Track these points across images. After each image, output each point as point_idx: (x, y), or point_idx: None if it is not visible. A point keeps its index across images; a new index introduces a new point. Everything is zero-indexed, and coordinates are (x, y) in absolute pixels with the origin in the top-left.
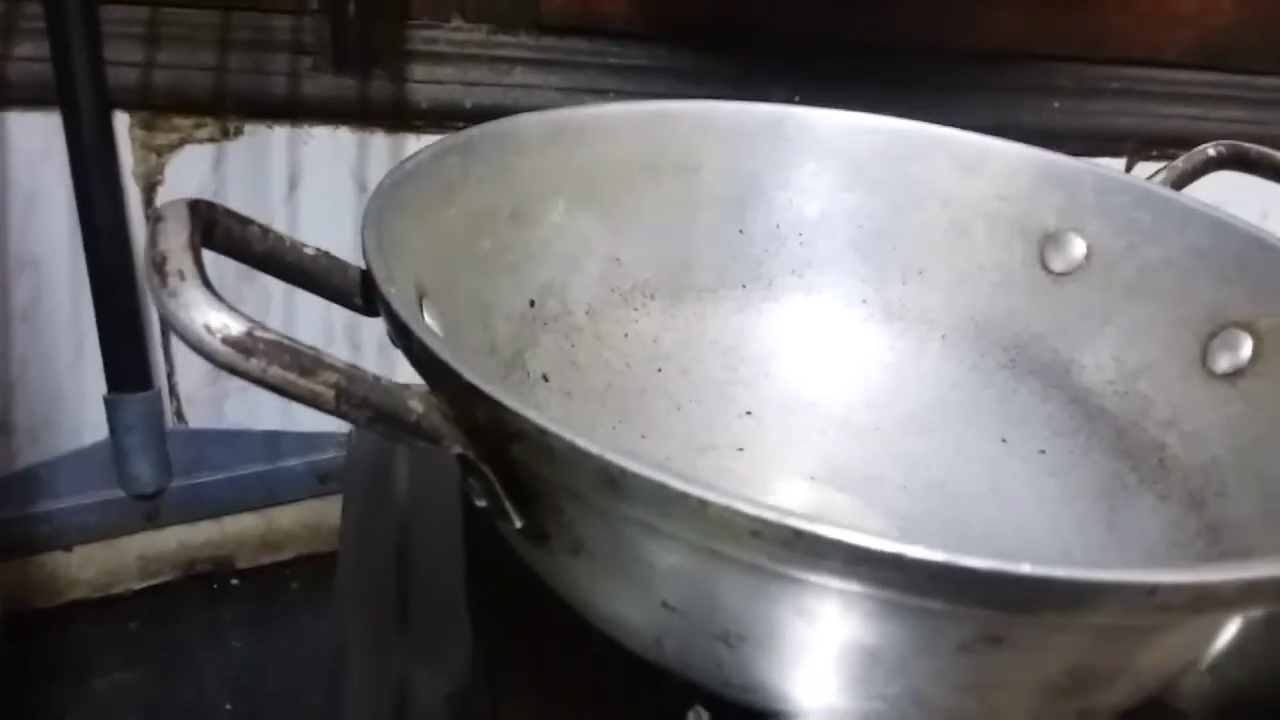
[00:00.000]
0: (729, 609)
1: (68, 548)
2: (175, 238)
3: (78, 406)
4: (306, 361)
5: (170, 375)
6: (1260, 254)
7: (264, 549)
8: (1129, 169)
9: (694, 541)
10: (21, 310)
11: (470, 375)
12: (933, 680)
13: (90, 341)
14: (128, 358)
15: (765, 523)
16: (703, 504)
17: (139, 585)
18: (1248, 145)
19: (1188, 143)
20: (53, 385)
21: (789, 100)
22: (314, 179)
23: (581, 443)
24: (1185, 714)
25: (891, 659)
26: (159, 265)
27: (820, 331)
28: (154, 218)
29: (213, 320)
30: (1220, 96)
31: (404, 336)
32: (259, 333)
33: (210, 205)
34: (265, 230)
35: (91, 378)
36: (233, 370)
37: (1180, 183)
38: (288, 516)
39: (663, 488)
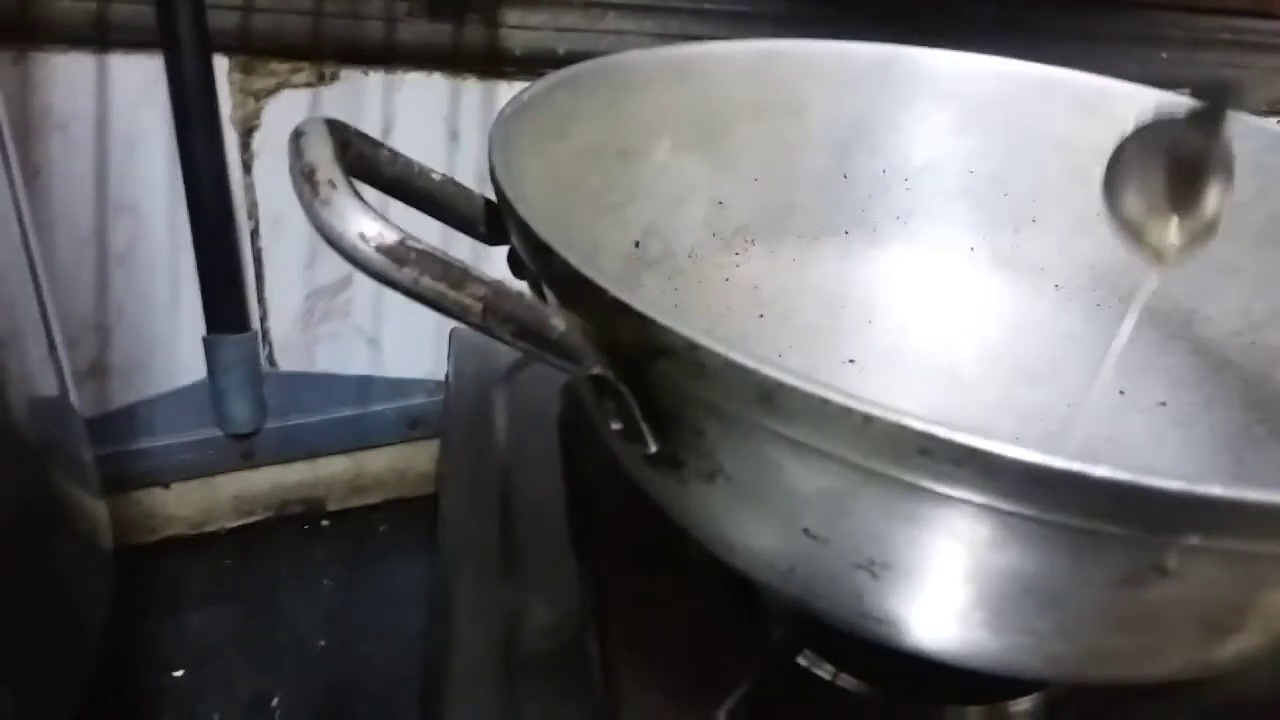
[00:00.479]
0: (878, 535)
1: (165, 485)
2: (321, 150)
3: (173, 348)
4: (456, 274)
5: (264, 320)
6: None
7: (353, 492)
8: None
9: (851, 462)
10: (119, 253)
11: (616, 290)
12: (1089, 614)
13: (186, 285)
14: (226, 300)
15: (936, 439)
16: (867, 419)
17: (233, 523)
18: None
19: None
20: (149, 327)
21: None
22: (407, 125)
23: (737, 357)
24: (1208, 689)
25: (1048, 590)
26: (309, 175)
27: (926, 279)
28: (295, 133)
29: (367, 228)
30: None
31: (543, 254)
32: (411, 243)
33: (344, 126)
34: (395, 154)
35: (187, 321)
36: (384, 279)
37: None
38: (377, 461)
39: (825, 403)
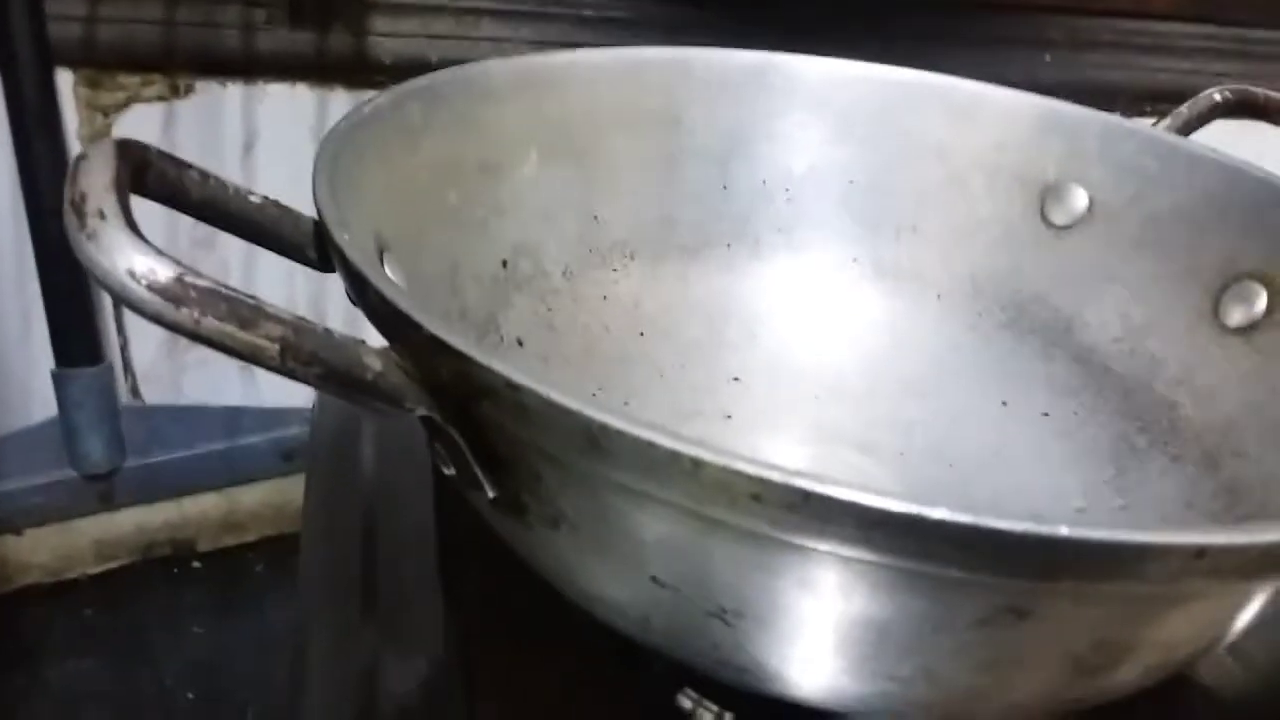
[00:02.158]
0: (725, 582)
1: (18, 531)
2: (98, 177)
3: (26, 382)
4: (246, 311)
5: (124, 349)
6: (1276, 202)
7: (226, 530)
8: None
9: (686, 508)
10: None
11: (432, 325)
12: (949, 657)
13: (37, 315)
14: (75, 330)
15: (768, 484)
16: (697, 464)
17: (95, 569)
18: (1256, 89)
19: (1181, 96)
20: None
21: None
22: (271, 139)
23: (558, 398)
24: (1208, 690)
25: (904, 635)
26: (77, 205)
27: (810, 292)
28: (76, 158)
29: (137, 265)
30: (1212, 50)
31: (358, 284)
32: (190, 279)
33: (143, 146)
34: (205, 175)
35: (40, 353)
36: (161, 321)
37: (1184, 131)
38: (251, 496)
39: (651, 447)
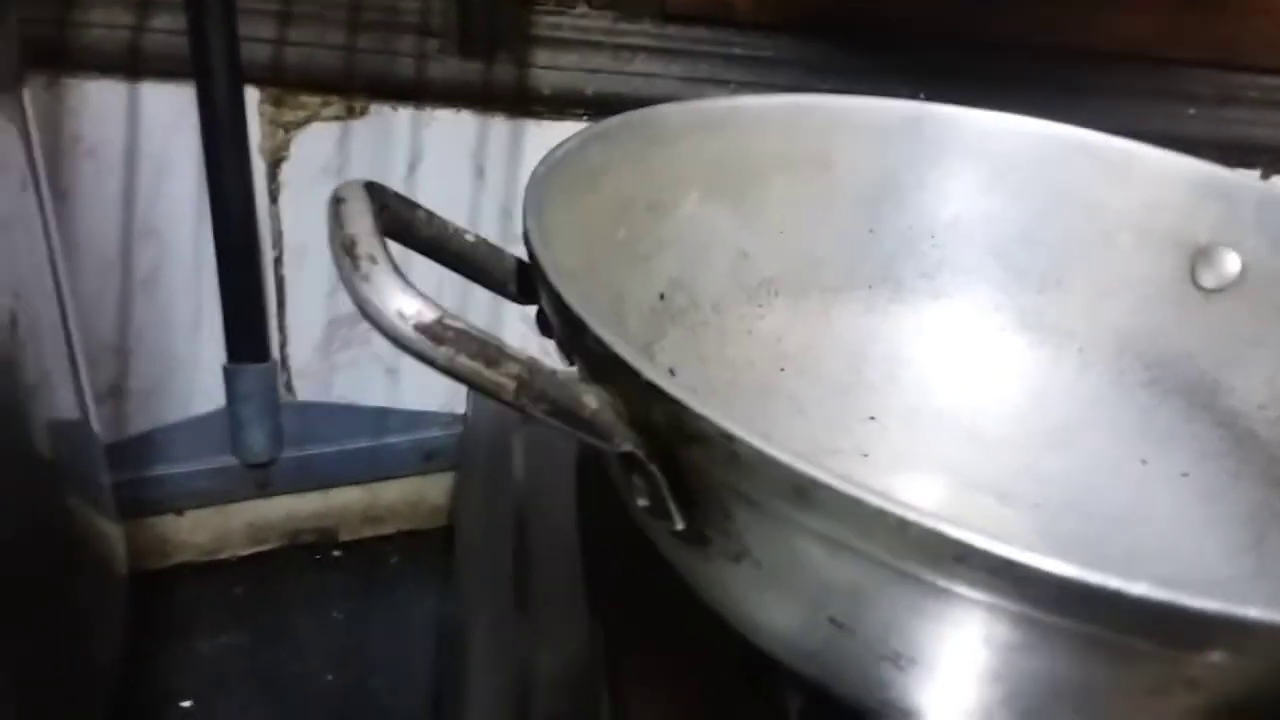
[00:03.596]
0: (906, 630)
1: (179, 511)
2: (361, 221)
3: (191, 375)
4: (492, 352)
5: (283, 348)
6: None
7: (367, 522)
8: (1264, 180)
9: (882, 560)
10: (142, 278)
11: (649, 373)
12: (1111, 718)
13: (207, 312)
14: (248, 328)
15: (972, 549)
16: (903, 524)
17: (245, 551)
18: None
19: None
20: (168, 353)
21: (913, 96)
22: (433, 160)
23: (772, 451)
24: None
25: (1075, 696)
26: (349, 248)
27: (950, 337)
28: (335, 199)
29: (406, 307)
30: None
31: (577, 329)
32: (449, 320)
33: (381, 188)
34: (430, 215)
35: (207, 348)
36: (420, 356)
37: None
38: (391, 492)
39: (858, 503)
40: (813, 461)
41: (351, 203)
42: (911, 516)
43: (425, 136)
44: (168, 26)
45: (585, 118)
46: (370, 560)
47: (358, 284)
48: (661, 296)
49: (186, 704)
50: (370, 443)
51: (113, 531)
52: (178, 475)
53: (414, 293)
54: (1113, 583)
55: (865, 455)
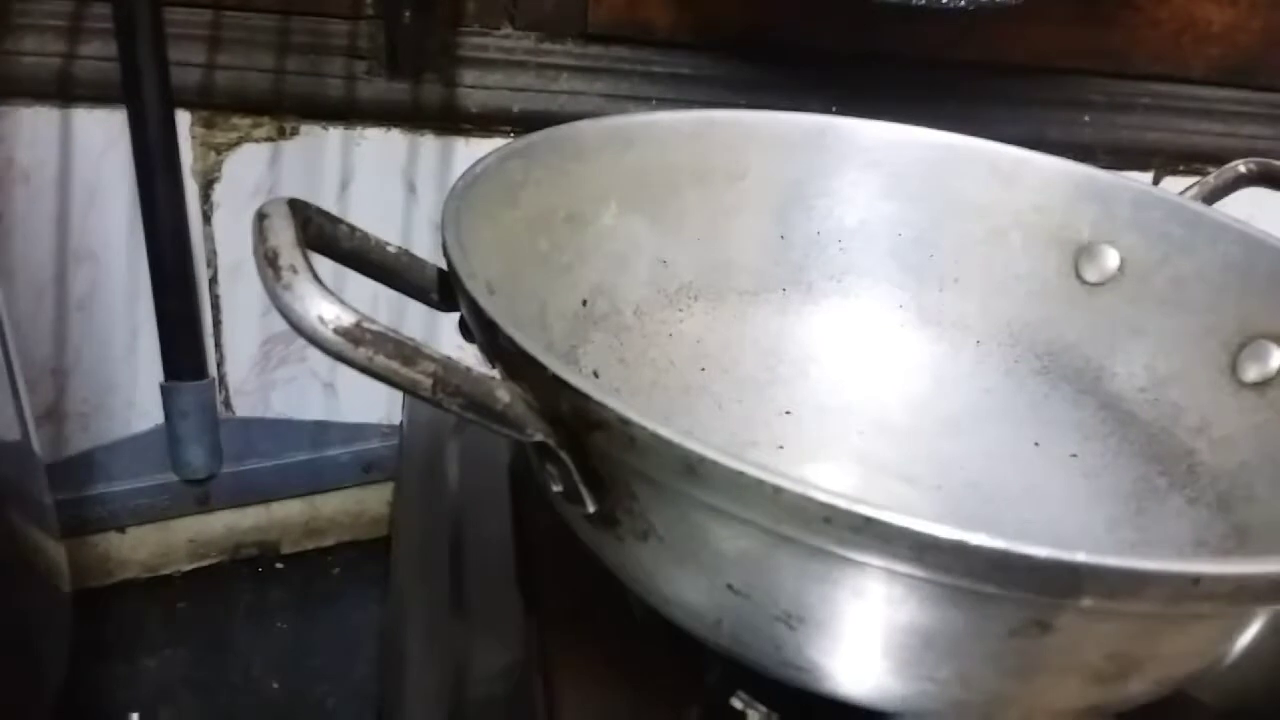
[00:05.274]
0: (792, 592)
1: (121, 529)
2: (284, 234)
3: (130, 394)
4: (408, 351)
5: (220, 365)
6: None
7: (308, 535)
8: (1156, 183)
9: (765, 526)
10: (78, 300)
11: (555, 367)
12: (982, 663)
13: (144, 332)
14: (184, 347)
15: (836, 509)
16: (777, 490)
17: (187, 567)
18: (1276, 163)
19: (1215, 158)
20: (106, 373)
21: (826, 110)
22: (365, 178)
23: (664, 432)
24: (1206, 706)
25: (944, 642)
26: (272, 260)
27: (858, 335)
28: (259, 215)
29: (325, 312)
30: (1247, 113)
31: (489, 331)
32: (366, 324)
33: (305, 204)
34: (352, 229)
35: (144, 367)
36: (340, 358)
37: (1211, 198)
38: (331, 504)
39: (740, 475)
40: (703, 441)
41: (274, 218)
42: (783, 483)
43: (356, 155)
44: (98, 53)
45: (512, 134)
46: (312, 572)
47: (280, 293)
48: (584, 303)
49: (133, 717)
50: (309, 456)
51: (55, 550)
52: (119, 493)
53: (333, 299)
54: (956, 535)
55: (781, 447)
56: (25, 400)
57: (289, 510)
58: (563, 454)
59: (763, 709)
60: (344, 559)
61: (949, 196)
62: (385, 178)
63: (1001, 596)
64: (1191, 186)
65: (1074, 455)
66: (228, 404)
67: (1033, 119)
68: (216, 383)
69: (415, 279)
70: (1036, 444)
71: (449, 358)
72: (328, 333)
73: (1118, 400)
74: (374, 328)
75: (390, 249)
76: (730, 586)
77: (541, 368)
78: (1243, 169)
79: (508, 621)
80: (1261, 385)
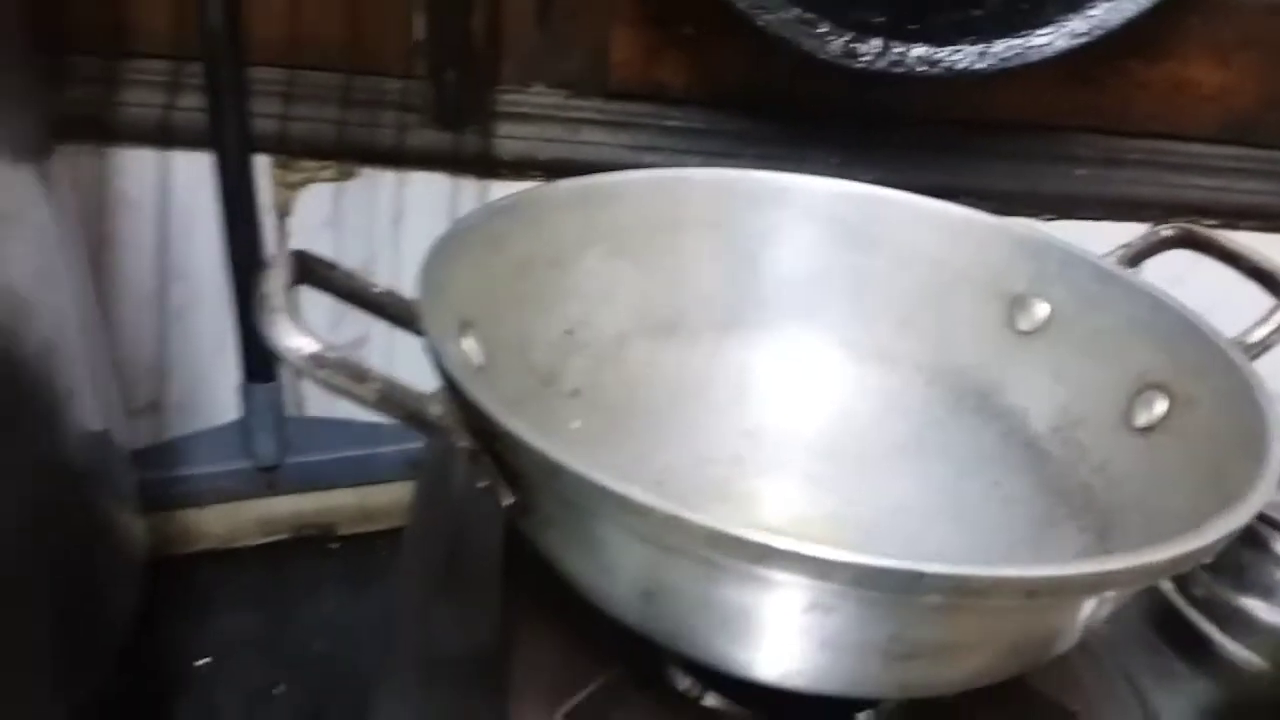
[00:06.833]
0: (690, 593)
1: (200, 506)
2: (276, 281)
3: (214, 392)
4: (359, 373)
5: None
6: (1186, 330)
7: (360, 520)
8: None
9: (627, 527)
10: (175, 311)
11: (463, 386)
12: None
13: (227, 341)
14: (260, 355)
15: (680, 520)
16: (623, 500)
17: (256, 541)
18: (1197, 228)
19: (1210, 212)
20: (196, 374)
21: (827, 161)
22: (414, 214)
23: (529, 439)
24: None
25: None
26: (263, 302)
27: (817, 368)
28: (266, 265)
29: (294, 342)
30: (1241, 170)
31: (435, 357)
32: (327, 353)
33: (308, 255)
34: (349, 274)
35: (227, 370)
36: (309, 376)
37: (1135, 260)
38: (380, 495)
39: (585, 480)
40: (565, 452)
41: (274, 269)
42: (628, 493)
43: (407, 194)
44: (193, 105)
45: (541, 179)
46: (363, 552)
47: (266, 326)
48: (568, 332)
49: (203, 661)
50: (363, 452)
51: (132, 523)
52: (201, 475)
53: (305, 333)
54: (758, 537)
55: (739, 462)
56: (115, 395)
57: (344, 498)
58: (484, 457)
59: (688, 681)
60: (390, 543)
61: (901, 249)
62: (432, 215)
63: (791, 582)
64: (1120, 248)
65: (997, 484)
66: (297, 404)
67: (1024, 172)
68: (291, 386)
69: (400, 312)
70: (966, 473)
71: (392, 379)
72: (296, 357)
73: (1036, 439)
74: (332, 355)
75: (377, 289)
76: (644, 590)
77: (456, 386)
78: (1166, 232)
79: (485, 608)
80: (1148, 430)
